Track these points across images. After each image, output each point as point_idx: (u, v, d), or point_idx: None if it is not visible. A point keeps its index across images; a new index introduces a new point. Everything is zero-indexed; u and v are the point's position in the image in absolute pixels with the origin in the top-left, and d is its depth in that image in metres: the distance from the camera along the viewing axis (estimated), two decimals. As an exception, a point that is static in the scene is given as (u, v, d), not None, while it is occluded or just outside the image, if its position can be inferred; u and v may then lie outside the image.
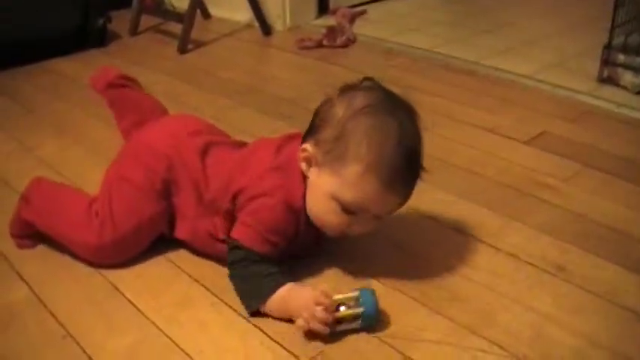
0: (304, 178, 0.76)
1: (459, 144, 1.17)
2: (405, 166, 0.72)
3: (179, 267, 0.84)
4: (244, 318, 0.75)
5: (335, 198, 0.73)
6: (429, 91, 1.39)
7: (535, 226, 0.92)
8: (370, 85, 0.76)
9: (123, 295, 0.79)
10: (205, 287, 0.80)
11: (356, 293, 0.72)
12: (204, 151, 0.83)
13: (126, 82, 1.02)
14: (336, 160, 0.71)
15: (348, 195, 0.72)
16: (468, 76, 1.50)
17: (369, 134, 0.71)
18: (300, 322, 0.70)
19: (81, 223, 0.83)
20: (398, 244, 0.88)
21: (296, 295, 0.72)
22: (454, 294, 0.79)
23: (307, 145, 0.74)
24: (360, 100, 0.73)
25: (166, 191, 0.83)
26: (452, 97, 1.38)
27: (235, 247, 0.76)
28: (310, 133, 0.75)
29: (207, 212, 0.81)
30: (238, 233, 0.76)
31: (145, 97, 1.03)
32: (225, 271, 0.82)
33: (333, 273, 0.83)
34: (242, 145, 0.88)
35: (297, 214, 0.76)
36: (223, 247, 0.79)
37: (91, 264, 0.84)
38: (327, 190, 0.73)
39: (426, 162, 1.06)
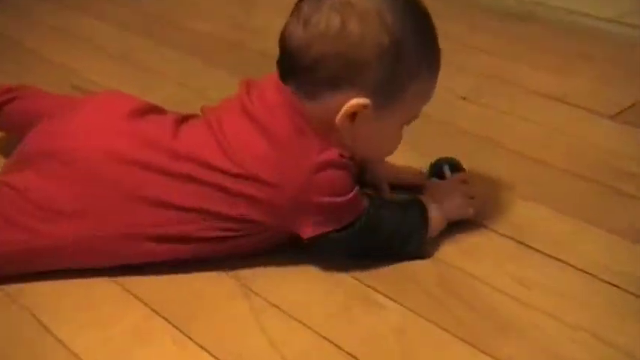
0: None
1: (514, 118, 1.17)
2: (437, 38, 0.84)
3: (129, 291, 0.84)
4: (214, 357, 0.75)
5: (403, 122, 0.85)
6: (470, 45, 1.39)
7: (617, 231, 0.91)
8: None
9: (54, 334, 0.78)
10: (164, 318, 0.80)
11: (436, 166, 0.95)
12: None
13: (10, 95, 1.03)
14: (398, 91, 0.81)
15: (420, 107, 0.85)
16: (525, 24, 1.49)
17: (422, 44, 0.81)
18: (470, 211, 0.91)
19: None
20: (435, 260, 0.87)
21: (444, 206, 0.89)
22: (504, 324, 0.78)
23: (360, 100, 0.79)
24: (384, 11, 0.77)
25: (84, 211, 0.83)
26: (503, 53, 1.37)
27: (343, 228, 0.83)
28: (342, 82, 0.79)
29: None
30: (331, 222, 0.82)
31: (44, 98, 1.03)
32: (189, 295, 0.83)
33: (346, 282, 0.84)
34: (184, 118, 0.90)
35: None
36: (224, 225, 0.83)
37: (8, 295, 0.83)
38: (395, 124, 0.84)
39: (469, 142, 1.08)
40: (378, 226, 0.85)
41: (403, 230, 0.86)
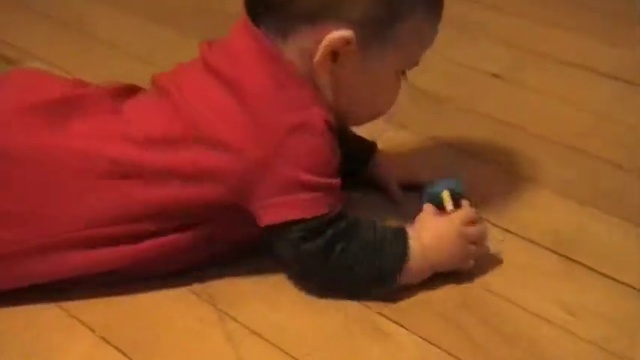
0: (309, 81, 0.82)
1: (554, 99, 1.16)
2: None
3: (75, 317, 0.81)
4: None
5: (399, 68, 0.85)
6: (502, 9, 1.38)
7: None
8: None
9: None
10: (117, 349, 0.77)
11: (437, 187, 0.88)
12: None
13: None
14: (390, 27, 0.80)
15: (418, 52, 0.84)
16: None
17: None
18: (470, 264, 0.83)
19: None
20: (455, 277, 0.85)
21: (434, 255, 0.81)
22: (543, 356, 0.75)
23: (342, 33, 0.78)
24: None
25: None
26: (539, 16, 1.37)
27: (306, 230, 0.78)
28: (322, 13, 0.78)
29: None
30: (298, 207, 0.78)
31: None
32: (149, 320, 0.80)
33: (345, 304, 0.82)
34: (125, 91, 0.88)
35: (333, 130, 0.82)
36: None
37: None
38: (388, 68, 0.83)
39: (501, 130, 1.06)
40: (350, 250, 0.79)
41: (373, 266, 0.80)
